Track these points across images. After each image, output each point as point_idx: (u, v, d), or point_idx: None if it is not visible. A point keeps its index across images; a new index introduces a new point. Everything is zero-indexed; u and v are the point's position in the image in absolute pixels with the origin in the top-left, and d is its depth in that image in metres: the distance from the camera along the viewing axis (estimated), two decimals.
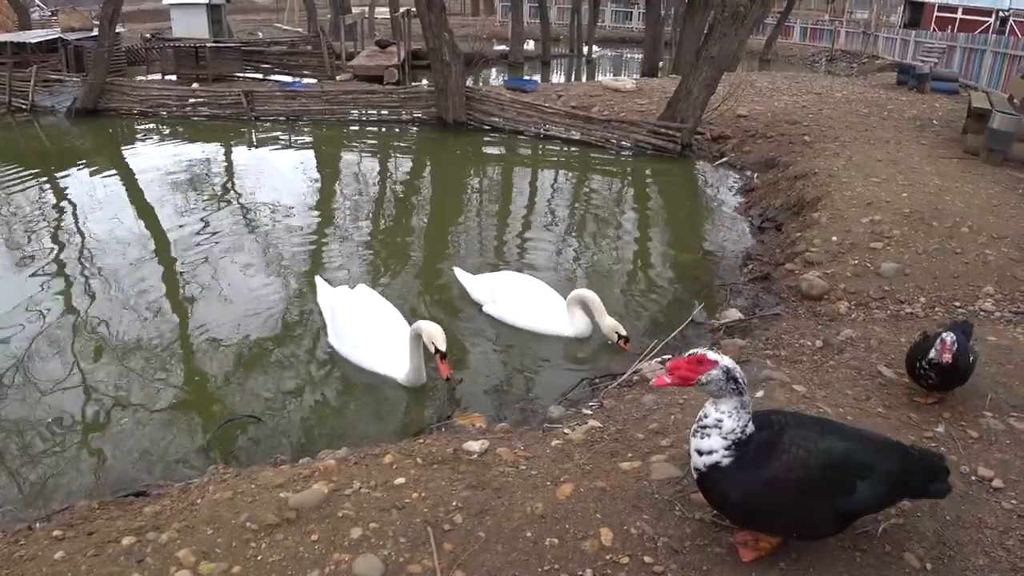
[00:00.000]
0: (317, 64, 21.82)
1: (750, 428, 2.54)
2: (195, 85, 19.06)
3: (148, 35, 26.73)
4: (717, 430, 2.52)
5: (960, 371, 3.79)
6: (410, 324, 5.66)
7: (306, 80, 20.78)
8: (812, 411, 3.90)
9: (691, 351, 2.55)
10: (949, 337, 3.68)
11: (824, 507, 2.56)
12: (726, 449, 2.51)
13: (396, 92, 16.39)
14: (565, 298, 6.16)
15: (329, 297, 6.12)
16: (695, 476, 2.64)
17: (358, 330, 5.51)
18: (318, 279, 6.53)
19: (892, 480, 2.61)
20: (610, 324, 5.64)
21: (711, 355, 2.51)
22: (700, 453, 2.56)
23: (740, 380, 2.51)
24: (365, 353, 5.39)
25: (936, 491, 2.76)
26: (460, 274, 6.88)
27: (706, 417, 2.56)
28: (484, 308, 6.39)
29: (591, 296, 5.77)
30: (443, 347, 4.66)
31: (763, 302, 6.43)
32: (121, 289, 6.96)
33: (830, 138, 11.74)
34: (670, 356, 5.22)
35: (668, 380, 2.53)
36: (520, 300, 6.17)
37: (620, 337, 5.57)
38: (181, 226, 8.90)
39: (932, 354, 3.72)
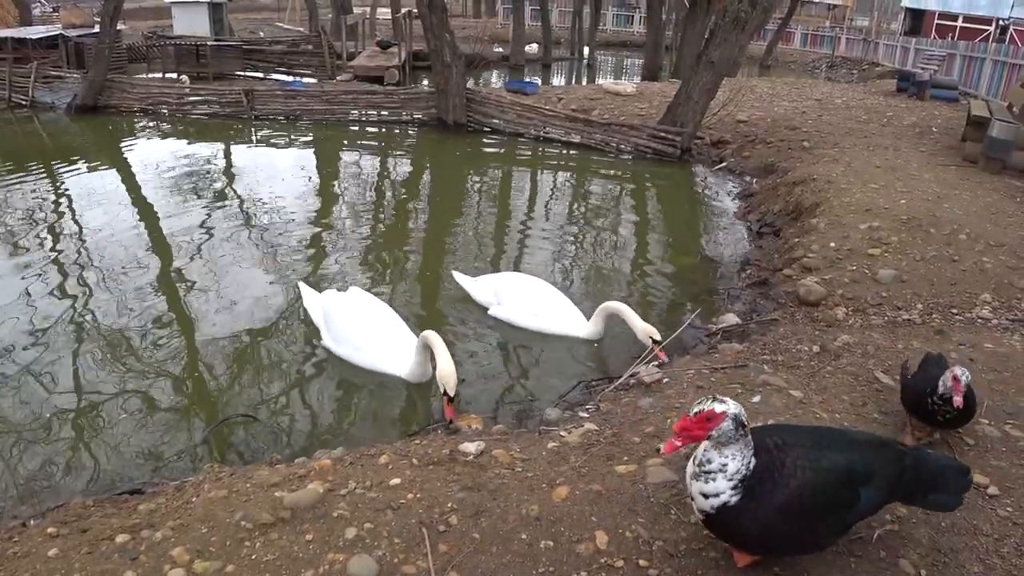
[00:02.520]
0: (318, 64, 21.83)
1: (753, 462, 2.47)
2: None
3: (150, 33, 26.70)
4: (722, 473, 2.45)
5: (972, 405, 3.49)
6: (407, 323, 5.67)
7: (306, 79, 20.78)
8: (809, 417, 3.90)
9: (696, 408, 2.42)
10: (963, 376, 3.35)
11: (832, 522, 2.56)
12: (732, 489, 2.44)
13: (396, 93, 16.40)
14: (569, 301, 6.18)
15: (318, 301, 6.08)
16: (701, 517, 2.57)
17: (358, 331, 5.50)
18: (301, 285, 6.48)
19: (890, 483, 2.62)
20: (644, 328, 5.47)
21: (718, 407, 2.40)
22: (706, 496, 2.48)
23: (747, 424, 2.44)
24: (367, 353, 5.39)
25: (937, 503, 2.72)
26: (459, 277, 6.86)
27: (709, 462, 2.47)
28: (490, 311, 6.37)
29: (623, 308, 5.71)
30: (452, 392, 4.48)
31: (761, 307, 6.44)
32: (118, 286, 6.95)
33: (829, 144, 11.75)
34: (667, 360, 5.21)
35: (679, 444, 2.44)
36: (527, 301, 6.16)
37: (655, 342, 5.38)
38: (179, 224, 8.88)
39: (942, 389, 3.40)
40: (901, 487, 2.65)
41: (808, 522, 2.50)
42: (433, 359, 4.76)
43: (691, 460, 2.58)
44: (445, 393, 4.47)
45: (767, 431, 2.69)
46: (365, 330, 5.48)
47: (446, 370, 4.51)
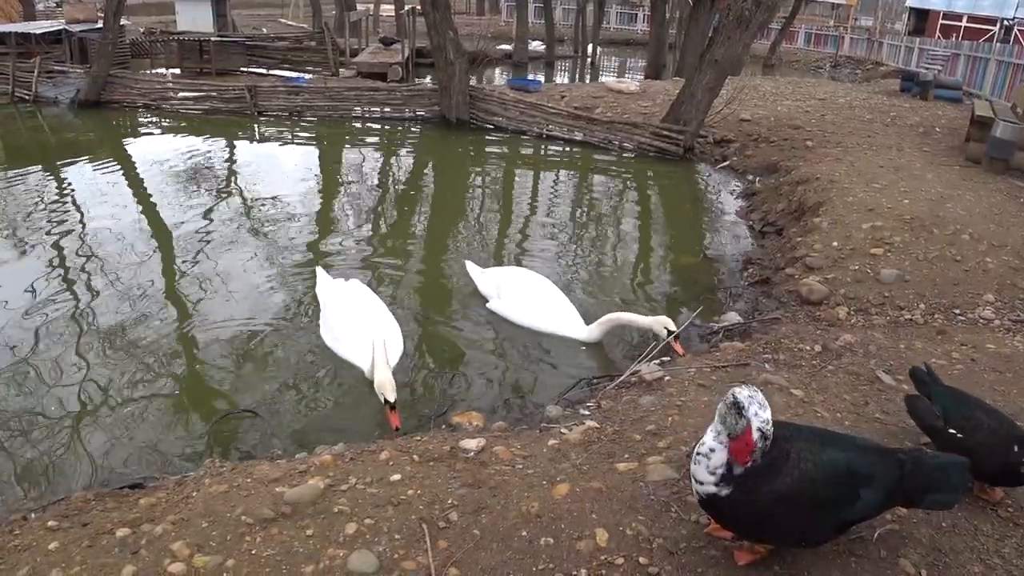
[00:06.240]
0: (321, 60, 21.81)
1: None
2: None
3: (152, 28, 26.70)
4: (706, 460, 2.48)
5: None
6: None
7: (308, 75, 20.77)
8: (810, 416, 3.90)
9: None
10: None
11: (830, 517, 2.57)
12: (715, 484, 2.47)
13: (399, 90, 16.39)
14: (568, 301, 6.18)
15: (325, 288, 6.15)
16: (697, 499, 2.60)
17: (342, 322, 5.52)
18: (319, 269, 6.53)
19: (890, 487, 2.61)
20: (657, 320, 5.38)
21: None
22: (697, 481, 2.53)
23: (744, 406, 2.38)
24: (343, 345, 5.40)
25: (936, 502, 2.72)
26: (470, 267, 6.89)
27: (702, 444, 2.51)
28: (489, 304, 6.38)
29: (624, 315, 5.69)
30: (391, 398, 4.35)
31: (763, 306, 6.43)
32: (121, 281, 6.96)
33: (832, 143, 11.74)
34: (668, 358, 5.21)
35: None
36: (526, 298, 6.15)
37: (670, 333, 5.28)
38: (182, 219, 8.89)
39: None
40: (901, 491, 2.65)
41: (804, 513, 2.51)
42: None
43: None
44: (385, 401, 4.37)
45: (777, 424, 2.68)
46: (348, 322, 5.49)
47: (379, 378, 4.41)
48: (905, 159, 10.41)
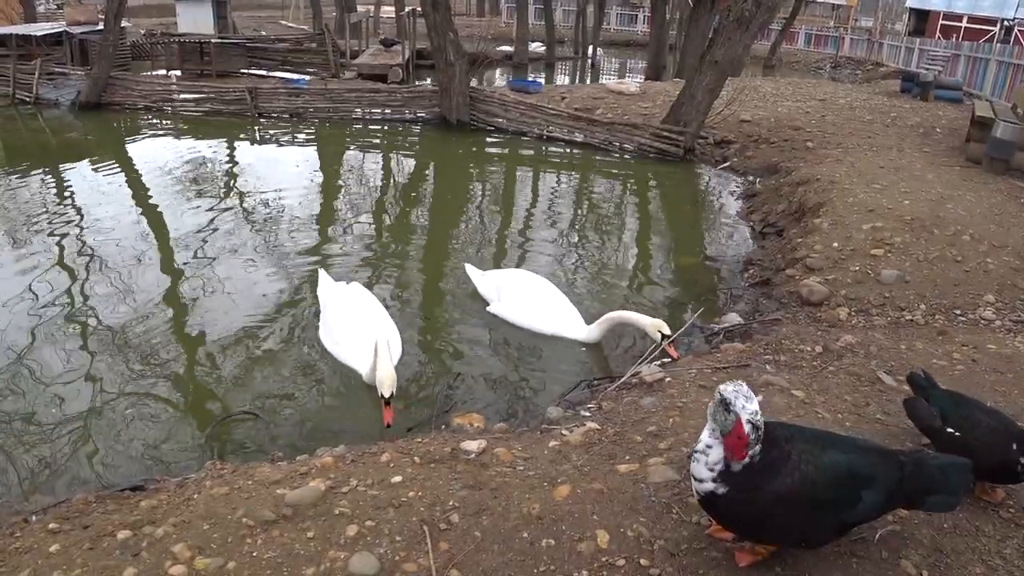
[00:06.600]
0: (321, 62, 21.83)
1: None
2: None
3: (152, 31, 26.73)
4: (705, 456, 2.48)
5: None
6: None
7: (306, 77, 20.77)
8: (811, 417, 3.90)
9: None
10: None
11: (831, 519, 2.56)
12: (712, 481, 2.47)
13: (400, 91, 16.40)
14: (569, 302, 6.17)
15: (326, 291, 6.15)
16: (697, 499, 2.61)
17: (341, 326, 5.52)
18: (320, 272, 6.53)
19: (891, 488, 2.61)
20: (653, 323, 5.37)
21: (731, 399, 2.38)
22: (696, 479, 2.53)
23: (731, 403, 2.39)
24: (343, 349, 5.40)
25: (937, 504, 2.71)
26: (470, 270, 6.89)
27: (700, 442, 2.52)
28: (489, 307, 6.38)
29: (625, 313, 5.70)
30: (387, 394, 4.38)
31: (763, 307, 6.43)
32: (122, 283, 6.96)
33: (833, 144, 11.73)
34: (669, 359, 5.20)
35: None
36: (526, 300, 6.15)
37: (664, 336, 5.26)
38: (183, 222, 8.89)
39: None
40: (902, 493, 2.65)
41: (804, 514, 2.51)
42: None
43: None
44: (381, 396, 4.39)
45: (779, 425, 2.70)
46: (347, 326, 5.48)
47: (381, 373, 4.45)
48: (905, 160, 10.41)
